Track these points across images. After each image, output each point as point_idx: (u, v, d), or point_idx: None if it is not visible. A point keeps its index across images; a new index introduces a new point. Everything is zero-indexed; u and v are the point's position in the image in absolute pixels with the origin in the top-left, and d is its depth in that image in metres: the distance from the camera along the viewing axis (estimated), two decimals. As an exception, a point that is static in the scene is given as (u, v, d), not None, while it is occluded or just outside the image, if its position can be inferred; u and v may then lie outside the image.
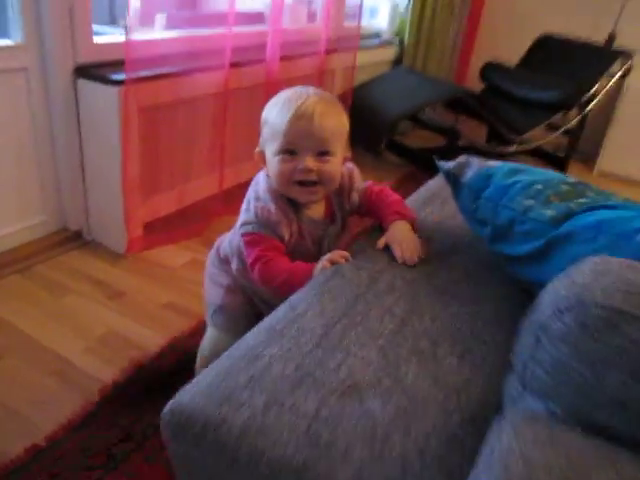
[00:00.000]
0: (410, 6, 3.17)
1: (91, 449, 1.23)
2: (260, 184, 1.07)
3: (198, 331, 1.49)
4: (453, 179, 1.03)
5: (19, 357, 1.47)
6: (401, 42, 3.26)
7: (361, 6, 2.78)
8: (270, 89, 2.19)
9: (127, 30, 1.66)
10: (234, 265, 1.16)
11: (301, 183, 1.00)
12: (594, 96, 2.91)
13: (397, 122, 2.73)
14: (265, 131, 1.03)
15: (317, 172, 0.98)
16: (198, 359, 1.30)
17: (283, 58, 2.29)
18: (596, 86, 2.88)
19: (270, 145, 1.01)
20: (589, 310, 0.50)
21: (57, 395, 1.36)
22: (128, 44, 1.67)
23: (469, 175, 0.99)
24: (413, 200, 1.23)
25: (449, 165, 1.05)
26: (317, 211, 1.09)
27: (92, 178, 1.92)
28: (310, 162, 0.97)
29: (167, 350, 1.53)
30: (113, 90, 1.70)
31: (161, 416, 0.65)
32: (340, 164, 1.04)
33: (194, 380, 0.67)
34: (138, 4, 2.03)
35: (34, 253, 1.89)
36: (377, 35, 3.29)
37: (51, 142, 1.86)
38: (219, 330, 1.22)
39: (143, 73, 1.75)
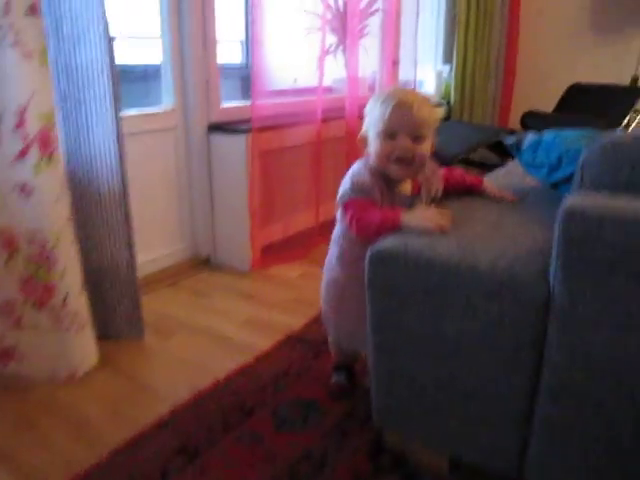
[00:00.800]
0: (452, 73, 3.75)
1: (259, 382, 1.63)
2: (356, 168, 1.28)
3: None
4: (516, 146, 1.47)
5: (186, 334, 1.92)
6: (448, 103, 3.81)
7: (415, 79, 3.39)
8: (350, 139, 2.73)
9: (252, 97, 2.25)
10: (336, 252, 1.36)
11: (398, 160, 1.20)
12: (627, 128, 3.33)
13: (455, 160, 3.20)
14: (369, 118, 1.25)
15: (412, 152, 1.19)
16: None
17: (359, 117, 2.83)
18: (626, 119, 3.31)
19: (374, 129, 1.22)
20: (606, 146, 0.91)
21: (223, 355, 1.78)
22: (254, 106, 2.24)
23: (527, 140, 1.43)
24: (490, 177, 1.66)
25: (512, 139, 1.49)
26: (406, 188, 1.30)
27: (220, 212, 2.44)
28: (408, 143, 1.18)
29: (308, 326, 1.95)
30: (241, 138, 2.24)
31: (368, 258, 1.07)
32: (429, 149, 1.24)
33: (383, 240, 1.10)
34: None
35: (177, 272, 2.38)
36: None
37: (188, 185, 2.40)
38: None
39: (261, 126, 2.29)
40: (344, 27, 2.93)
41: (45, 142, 1.43)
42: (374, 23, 3.25)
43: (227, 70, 2.74)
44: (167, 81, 2.25)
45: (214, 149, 2.36)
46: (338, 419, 1.46)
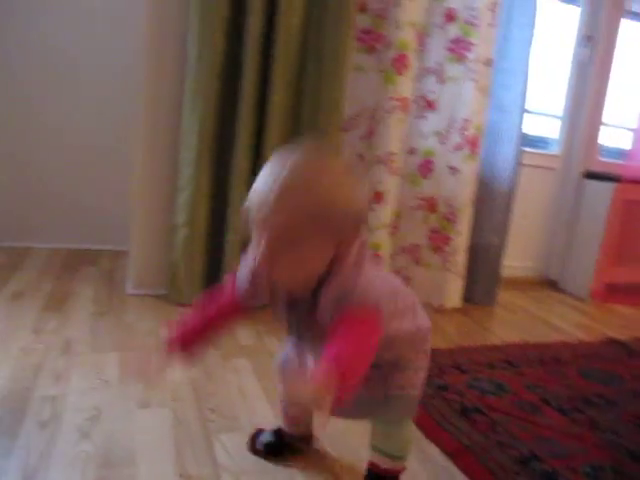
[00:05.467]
0: None
1: (563, 353, 2.05)
2: None
3: None
4: None
5: (526, 316, 2.43)
6: None
7: None
8: None
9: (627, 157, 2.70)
10: None
11: None
12: None
13: None
14: None
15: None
16: None
17: None
18: None
19: None
20: None
21: (549, 333, 2.24)
22: (627, 164, 2.69)
23: None
24: None
25: None
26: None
27: (575, 244, 2.89)
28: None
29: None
30: (610, 185, 2.69)
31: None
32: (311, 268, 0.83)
33: None
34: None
35: (522, 282, 2.92)
36: None
37: (553, 215, 2.94)
38: None
39: (632, 178, 2.71)
40: None
41: (473, 144, 2.19)
42: None
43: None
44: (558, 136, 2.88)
45: (585, 192, 2.85)
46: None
